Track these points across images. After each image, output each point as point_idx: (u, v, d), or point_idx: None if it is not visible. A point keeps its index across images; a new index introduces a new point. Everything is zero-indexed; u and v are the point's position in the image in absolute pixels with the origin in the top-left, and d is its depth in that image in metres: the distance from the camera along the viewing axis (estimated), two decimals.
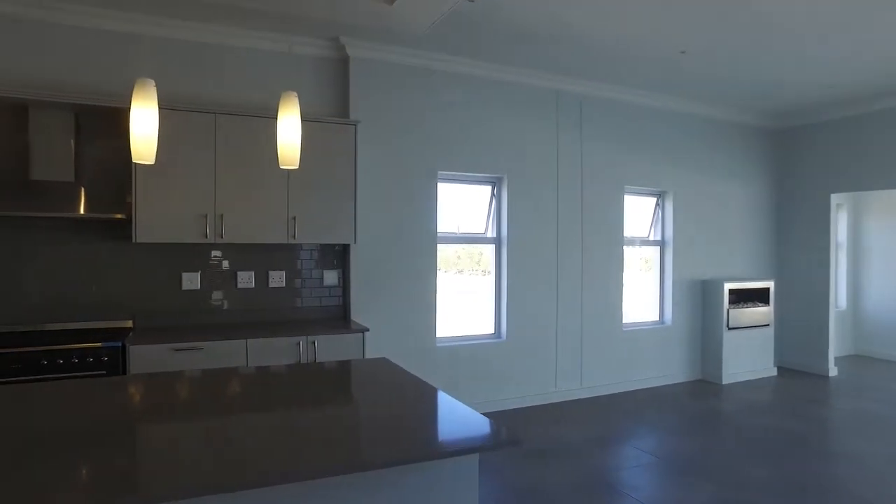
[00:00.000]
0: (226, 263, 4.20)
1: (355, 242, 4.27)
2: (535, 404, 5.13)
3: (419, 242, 4.71)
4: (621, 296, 5.69)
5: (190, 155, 3.79)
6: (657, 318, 6.10)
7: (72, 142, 3.66)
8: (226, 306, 4.21)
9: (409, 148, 4.65)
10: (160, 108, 3.67)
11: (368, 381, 2.65)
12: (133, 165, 3.65)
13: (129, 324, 3.94)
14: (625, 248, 5.73)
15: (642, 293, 6.15)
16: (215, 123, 3.85)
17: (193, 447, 1.77)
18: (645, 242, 6.12)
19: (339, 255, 4.54)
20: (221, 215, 3.87)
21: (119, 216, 3.63)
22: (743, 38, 4.31)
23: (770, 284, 6.39)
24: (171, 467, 1.59)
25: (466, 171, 4.95)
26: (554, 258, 5.26)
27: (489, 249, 5.23)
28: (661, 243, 6.10)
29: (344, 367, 2.95)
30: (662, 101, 5.80)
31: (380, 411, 2.18)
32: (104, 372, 3.38)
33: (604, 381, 5.54)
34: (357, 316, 4.44)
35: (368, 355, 4.02)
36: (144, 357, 3.46)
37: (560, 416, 4.92)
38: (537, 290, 5.20)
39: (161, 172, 3.70)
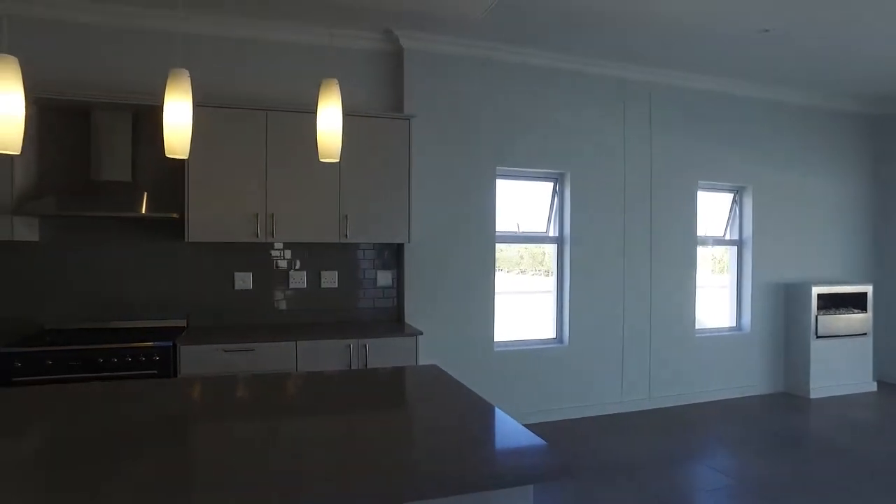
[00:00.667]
0: (283, 263, 4.14)
1: (409, 242, 4.11)
2: (598, 414, 4.81)
3: (477, 242, 4.50)
4: (694, 299, 5.26)
5: (241, 153, 3.73)
6: (733, 324, 5.63)
7: (130, 142, 3.68)
8: (278, 307, 4.15)
9: (466, 143, 4.44)
10: (213, 106, 3.75)
11: (416, 392, 2.47)
12: (185, 164, 3.64)
13: (184, 323, 3.94)
14: (697, 247, 5.30)
15: (716, 296, 5.70)
16: (266, 121, 3.77)
17: (238, 464, 1.61)
18: (719, 242, 5.66)
19: (393, 255, 4.40)
20: (272, 214, 3.79)
21: (174, 215, 3.61)
22: (834, 12, 3.83)
23: (868, 289, 5.73)
24: (217, 487, 1.44)
25: (526, 166, 4.69)
26: (620, 259, 4.92)
27: (551, 249, 4.95)
28: (739, 242, 5.62)
29: (391, 375, 2.77)
30: (741, 87, 5.32)
31: (428, 429, 1.96)
32: (155, 371, 3.36)
33: (674, 391, 5.14)
34: (411, 318, 4.28)
35: (423, 359, 3.85)
36: (194, 357, 3.42)
37: (626, 428, 4.58)
38: (602, 293, 4.87)
39: (212, 171, 3.68)
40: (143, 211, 3.53)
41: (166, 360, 3.39)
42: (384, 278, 4.37)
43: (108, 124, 3.63)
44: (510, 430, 1.88)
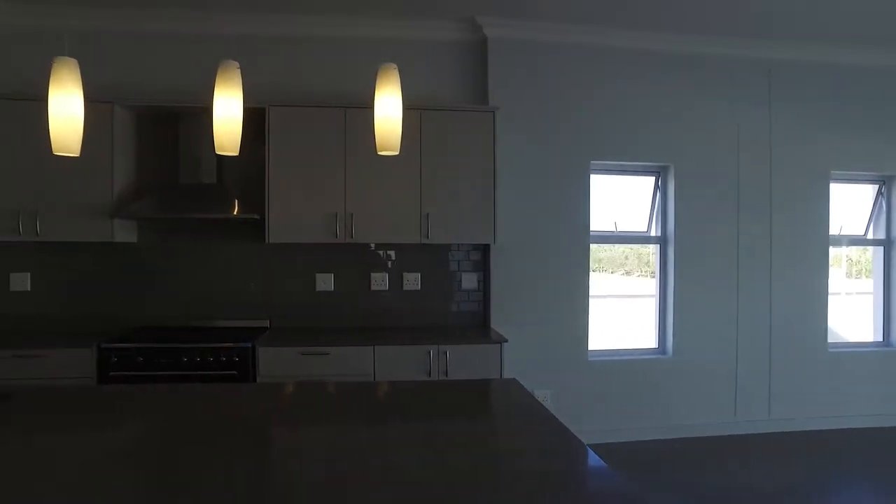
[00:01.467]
0: (365, 264, 4.05)
1: (495, 242, 3.85)
2: (708, 435, 4.28)
3: (569, 242, 4.15)
4: (825, 307, 4.54)
5: (320, 152, 3.67)
6: (879, 339, 4.81)
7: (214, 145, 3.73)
8: (359, 309, 4.05)
9: (557, 135, 4.11)
10: (292, 105, 3.72)
11: (487, 416, 2.21)
12: (266, 165, 3.63)
13: (267, 324, 3.95)
14: (830, 248, 4.59)
15: (854, 305, 4.92)
16: (345, 118, 3.68)
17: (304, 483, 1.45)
18: (859, 241, 4.88)
19: (479, 257, 4.16)
20: (352, 214, 3.69)
21: (256, 217, 3.61)
22: None
23: None
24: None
25: (624, 159, 4.27)
26: (733, 260, 4.35)
27: (652, 250, 4.49)
28: (886, 242, 4.81)
29: (461, 392, 2.52)
30: (888, 56, 4.53)
31: (499, 470, 1.61)
32: (234, 372, 3.36)
33: (800, 413, 4.47)
34: (497, 323, 4.02)
35: (509, 367, 3.59)
36: (272, 359, 3.39)
37: (741, 453, 4.03)
38: (712, 299, 4.33)
39: (292, 171, 3.64)
40: (228, 213, 3.56)
41: (245, 360, 3.38)
42: (469, 281, 4.15)
43: (194, 128, 3.71)
44: (596, 472, 1.56)
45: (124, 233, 3.70)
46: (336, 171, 3.68)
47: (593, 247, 4.27)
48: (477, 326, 4.08)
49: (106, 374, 3.29)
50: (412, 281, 4.09)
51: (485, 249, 4.13)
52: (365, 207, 3.70)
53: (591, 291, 4.22)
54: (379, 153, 1.99)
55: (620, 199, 4.47)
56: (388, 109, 1.92)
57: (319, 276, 4.01)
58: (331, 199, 3.67)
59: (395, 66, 1.98)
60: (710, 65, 4.30)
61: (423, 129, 3.73)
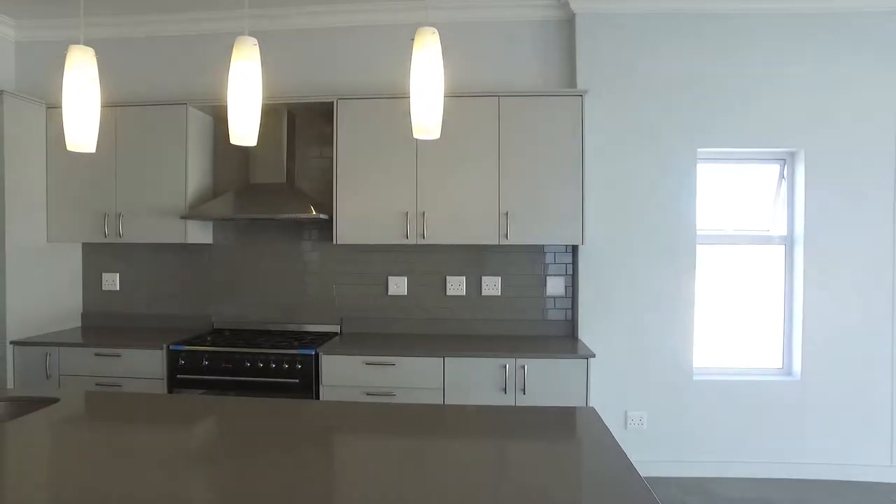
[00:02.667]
0: (439, 267, 3.76)
1: (583, 243, 3.40)
2: (850, 480, 3.53)
3: (672, 243, 3.59)
4: None
5: (389, 147, 3.42)
6: None
7: (284, 144, 3.61)
8: (433, 315, 3.77)
9: (657, 121, 3.57)
10: (358, 98, 3.49)
11: (551, 470, 1.81)
12: (333, 162, 3.44)
13: (338, 328, 3.78)
14: None
15: None
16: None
17: None
18: None
19: (565, 259, 3.73)
20: (423, 213, 3.41)
21: (325, 217, 3.43)
22: None
23: None
24: None
25: (740, 145, 3.62)
26: (887, 266, 3.55)
27: (776, 252, 3.79)
28: None
29: (523, 422, 2.12)
30: None
31: None
32: (297, 380, 3.20)
33: None
34: (586, 334, 3.57)
35: (597, 385, 3.16)
36: (335, 368, 3.19)
37: None
38: (854, 312, 3.55)
39: (361, 167, 3.43)
40: (295, 213, 3.41)
41: (308, 368, 3.20)
42: (555, 286, 3.72)
43: (264, 127, 3.59)
44: None
45: (199, 234, 3.69)
46: (407, 167, 3.41)
47: (701, 249, 3.67)
48: (563, 337, 3.64)
49: (174, 376, 3.26)
50: (491, 285, 3.73)
51: (573, 251, 3.69)
52: (438, 205, 3.40)
53: (699, 300, 3.63)
54: (415, 136, 1.66)
55: (735, 193, 3.82)
56: (424, 83, 1.59)
57: (392, 280, 3.78)
58: (401, 197, 3.41)
59: (433, 29, 1.63)
60: (855, 24, 3.53)
61: (502, 117, 3.37)
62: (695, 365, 3.61)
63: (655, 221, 3.58)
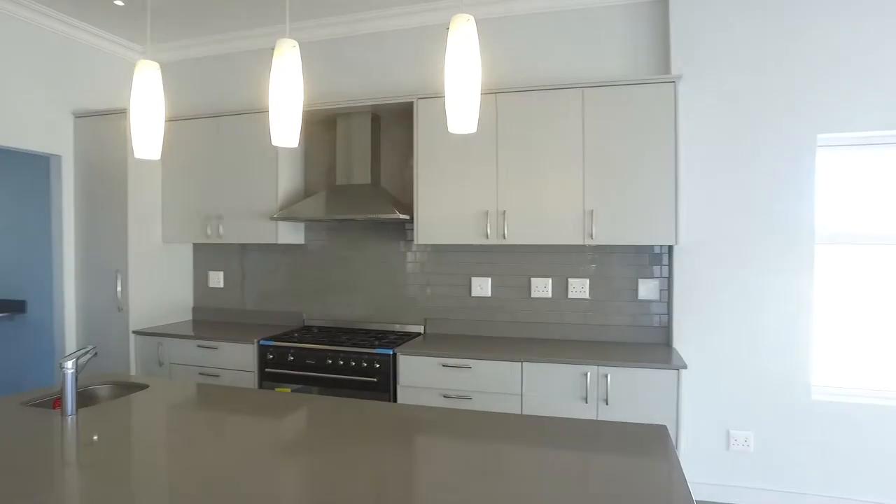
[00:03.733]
0: (522, 267, 3.62)
1: (677, 243, 3.11)
2: None
3: (785, 243, 3.16)
4: None
5: (469, 144, 3.35)
6: None
7: (368, 146, 3.67)
8: (517, 318, 3.64)
9: (766, 104, 3.15)
10: (439, 96, 3.44)
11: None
12: (414, 161, 3.44)
13: (421, 329, 3.77)
14: None
15: None
16: (496, 104, 3.31)
17: None
18: None
19: (658, 261, 3.43)
20: (504, 212, 3.30)
21: (406, 217, 3.44)
22: None
23: None
24: None
25: (870, 128, 3.11)
26: None
27: None
28: None
29: (584, 436, 1.95)
30: None
31: None
32: (375, 379, 3.23)
33: None
34: (683, 342, 3.26)
35: (695, 399, 2.89)
36: (412, 368, 3.18)
37: None
38: None
39: (440, 167, 3.39)
40: (378, 214, 3.44)
41: (386, 367, 3.22)
42: (648, 290, 3.44)
43: (349, 130, 3.69)
44: None
45: (291, 234, 3.85)
46: (487, 165, 3.32)
47: (822, 249, 3.20)
48: (656, 345, 3.35)
49: (263, 369, 3.43)
50: (579, 288, 3.53)
51: (669, 252, 3.39)
52: (519, 204, 3.27)
53: (818, 308, 3.18)
54: (450, 132, 1.57)
55: (864, 185, 3.28)
56: (459, 75, 1.50)
57: (475, 281, 3.70)
58: (481, 196, 3.33)
59: (468, 16, 1.53)
60: None
61: (586, 109, 3.17)
62: (813, 382, 3.16)
63: (766, 218, 3.18)
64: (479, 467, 1.54)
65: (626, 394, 2.89)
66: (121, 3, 3.52)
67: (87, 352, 2.22)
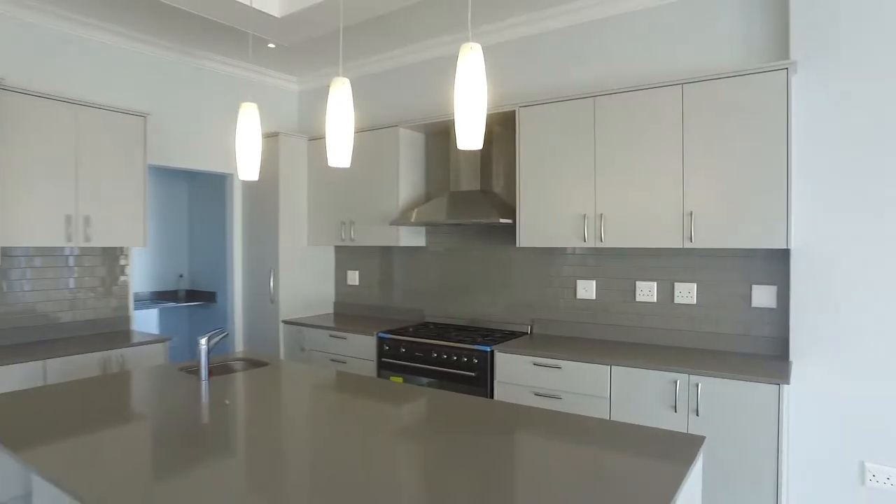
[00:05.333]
0: (624, 271, 3.55)
1: (787, 245, 2.84)
2: None
3: None
4: None
5: (568, 148, 3.41)
6: None
7: (478, 153, 3.89)
8: (621, 321, 3.58)
9: None
10: (540, 103, 3.57)
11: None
12: (517, 167, 3.58)
13: (527, 329, 3.88)
14: None
15: None
16: (594, 109, 3.32)
17: None
18: None
19: (774, 266, 3.15)
20: (601, 215, 3.30)
21: (509, 221, 3.60)
22: None
23: None
24: None
25: None
26: None
27: None
28: None
29: (608, 437, 1.94)
30: None
31: None
32: (473, 374, 3.43)
33: None
34: (802, 357, 2.95)
35: (816, 424, 2.72)
36: (507, 365, 3.33)
37: None
38: None
39: (541, 172, 3.51)
40: (482, 218, 3.65)
41: (484, 363, 3.41)
42: (763, 296, 3.17)
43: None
44: None
45: (412, 238, 4.22)
46: (584, 168, 3.35)
47: None
48: (770, 358, 3.07)
49: (381, 359, 3.84)
50: (685, 293, 3.37)
51: (783, 256, 3.09)
52: (617, 207, 3.25)
53: None
54: (459, 148, 1.72)
55: None
56: (467, 98, 1.65)
57: (580, 283, 3.72)
58: (579, 200, 3.37)
59: (476, 45, 1.68)
60: None
61: (686, 106, 3.05)
62: None
63: None
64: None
65: (721, 406, 2.73)
66: (272, 46, 4.19)
67: (218, 333, 2.76)
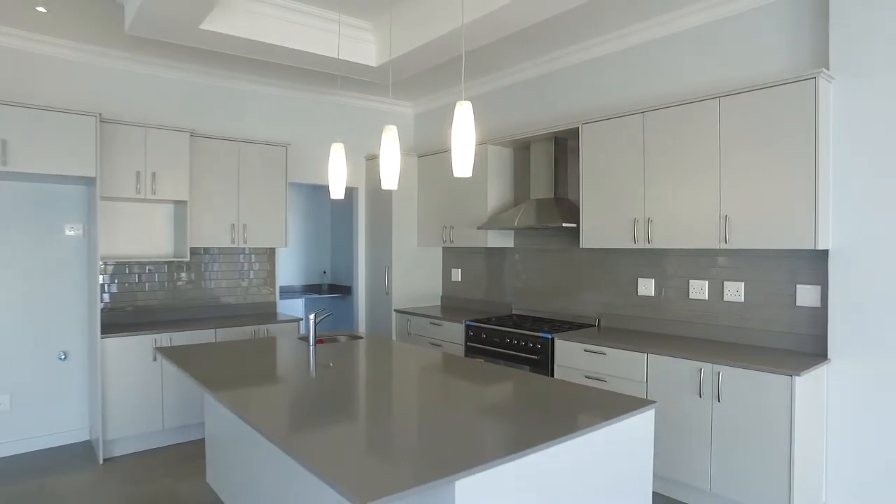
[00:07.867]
0: (674, 269, 3.82)
1: (816, 246, 2.97)
2: None
3: None
4: None
5: (622, 159, 3.81)
6: None
7: (552, 164, 4.39)
8: (677, 317, 3.86)
9: None
10: (598, 120, 4.04)
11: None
12: (580, 177, 4.04)
13: (595, 322, 4.29)
14: None
15: None
16: (643, 123, 3.68)
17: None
18: None
19: (818, 266, 3.25)
20: (649, 219, 3.65)
21: (573, 225, 4.07)
22: None
23: None
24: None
25: None
26: None
27: None
28: None
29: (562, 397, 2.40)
30: None
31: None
32: (537, 357, 3.97)
33: None
34: (842, 357, 3.04)
35: (851, 423, 2.95)
36: (565, 351, 3.82)
37: None
38: None
39: (599, 181, 3.96)
40: (549, 223, 4.15)
41: (546, 349, 3.93)
42: (807, 296, 3.28)
43: (537, 153, 4.49)
44: None
45: (500, 240, 4.84)
46: (635, 177, 3.73)
47: None
48: (807, 355, 3.19)
49: (467, 343, 4.52)
50: (734, 291, 3.58)
51: (826, 257, 3.19)
52: (662, 212, 3.60)
53: None
54: (455, 175, 2.34)
55: None
56: (460, 140, 2.27)
57: (641, 281, 4.06)
58: (631, 205, 3.76)
59: (467, 102, 2.29)
60: None
61: (722, 117, 3.31)
62: None
63: None
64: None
65: (741, 395, 2.99)
66: (375, 80, 5.10)
67: (323, 312, 3.66)
